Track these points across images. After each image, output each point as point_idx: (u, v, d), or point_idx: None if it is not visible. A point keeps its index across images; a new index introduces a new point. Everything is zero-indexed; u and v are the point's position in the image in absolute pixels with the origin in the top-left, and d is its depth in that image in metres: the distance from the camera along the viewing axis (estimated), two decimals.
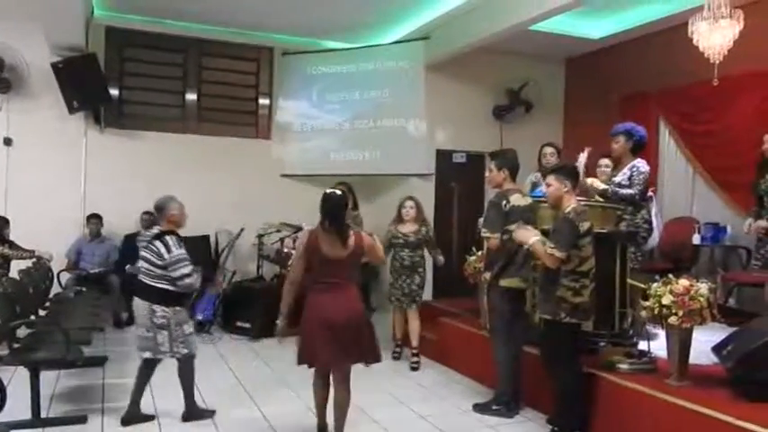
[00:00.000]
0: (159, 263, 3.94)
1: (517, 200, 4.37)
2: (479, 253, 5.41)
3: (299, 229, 7.06)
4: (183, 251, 3.99)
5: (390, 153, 8.03)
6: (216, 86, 8.12)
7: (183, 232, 7.58)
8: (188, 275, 3.95)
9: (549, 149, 5.56)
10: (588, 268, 3.86)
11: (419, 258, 5.69)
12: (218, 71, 8.13)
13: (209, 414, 4.27)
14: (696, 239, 6.35)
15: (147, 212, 7.44)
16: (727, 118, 6.40)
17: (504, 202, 4.34)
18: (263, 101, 8.33)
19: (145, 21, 7.52)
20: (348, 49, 8.28)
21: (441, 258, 5.83)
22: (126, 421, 4.05)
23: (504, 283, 4.35)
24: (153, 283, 3.97)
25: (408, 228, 5.65)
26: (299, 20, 7.49)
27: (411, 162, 8.04)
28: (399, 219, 5.69)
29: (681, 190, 6.98)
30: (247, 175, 7.90)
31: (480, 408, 4.49)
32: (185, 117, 7.99)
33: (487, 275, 4.43)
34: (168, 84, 7.93)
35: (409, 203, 5.68)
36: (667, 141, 7.20)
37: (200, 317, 6.60)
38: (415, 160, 8.04)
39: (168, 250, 3.92)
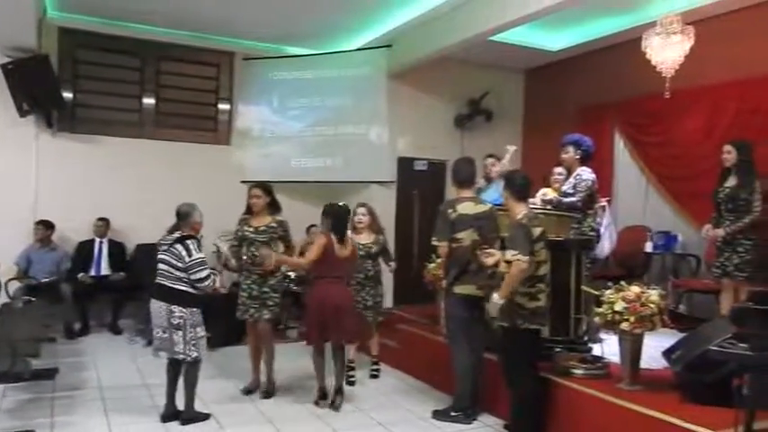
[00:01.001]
0: (180, 265, 4.15)
1: (465, 208, 4.41)
2: (439, 260, 5.44)
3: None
4: (202, 254, 4.23)
5: (352, 160, 8.03)
6: (174, 91, 7.99)
7: (137, 240, 7.49)
8: (206, 278, 4.17)
9: (489, 160, 5.87)
10: (543, 273, 3.93)
11: (379, 268, 5.53)
12: (176, 75, 8.00)
13: (203, 417, 4.35)
14: (648, 247, 6.52)
15: (101, 219, 7.30)
16: (678, 130, 6.60)
17: (451, 210, 4.39)
18: (223, 106, 8.24)
19: (100, 22, 7.35)
20: (310, 55, 8.26)
21: (392, 264, 5.67)
22: (165, 418, 4.28)
23: (458, 290, 4.38)
24: (172, 285, 4.17)
25: (366, 238, 5.41)
26: (260, 25, 7.45)
27: (372, 169, 8.05)
28: (353, 228, 5.38)
29: (635, 199, 7.14)
30: (206, 181, 7.74)
31: (439, 414, 4.51)
32: (142, 122, 7.84)
33: (444, 283, 4.46)
34: (124, 88, 7.76)
35: (361, 210, 5.45)
36: (622, 152, 7.37)
37: None
38: (376, 167, 8.05)
39: (189, 254, 4.15)
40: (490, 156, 5.93)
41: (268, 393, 4.92)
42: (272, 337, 5.06)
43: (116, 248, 7.37)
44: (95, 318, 7.19)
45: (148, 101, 7.87)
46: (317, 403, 4.72)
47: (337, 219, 4.70)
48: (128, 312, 7.17)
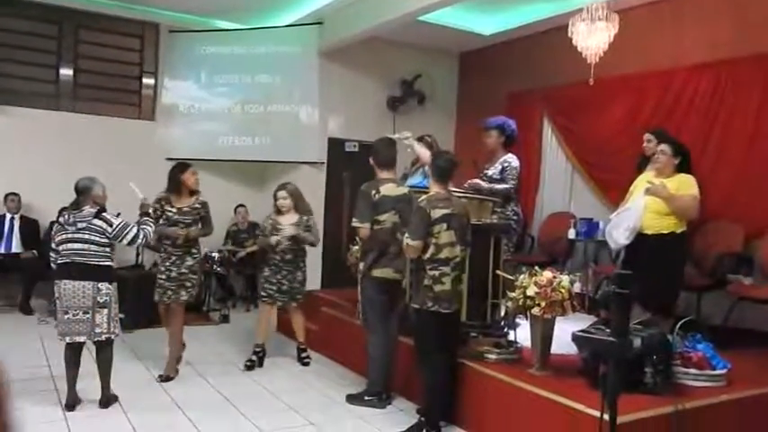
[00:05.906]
0: (103, 240, 4.09)
1: (388, 189, 4.36)
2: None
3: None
4: (121, 219, 4.19)
5: (281, 140, 7.84)
6: (95, 62, 7.61)
7: (51, 217, 7.12)
8: (137, 236, 4.17)
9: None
10: (446, 256, 3.88)
11: (301, 252, 5.38)
12: (98, 46, 7.61)
13: (115, 398, 4.26)
14: (571, 234, 6.60)
15: (12, 194, 6.92)
16: (603, 118, 6.67)
17: (374, 191, 4.32)
18: (148, 80, 7.91)
19: None
20: (240, 29, 8.00)
21: (310, 238, 5.34)
22: (70, 406, 4.10)
23: (376, 273, 4.33)
24: (97, 263, 4.06)
25: (288, 219, 5.29)
26: None
27: (302, 150, 7.88)
28: (277, 210, 5.33)
29: (560, 186, 7.22)
30: (128, 157, 7.39)
31: (353, 398, 4.46)
32: (59, 93, 7.44)
33: (362, 266, 4.39)
34: (40, 57, 7.34)
35: (281, 194, 5.32)
36: (550, 138, 7.43)
37: None
38: (306, 148, 7.88)
39: (109, 224, 4.10)
40: (420, 139, 5.73)
41: (168, 378, 4.75)
42: (181, 319, 4.90)
43: (29, 225, 7.02)
44: (4, 297, 6.88)
45: (66, 72, 7.47)
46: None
47: None
48: (40, 292, 6.84)
